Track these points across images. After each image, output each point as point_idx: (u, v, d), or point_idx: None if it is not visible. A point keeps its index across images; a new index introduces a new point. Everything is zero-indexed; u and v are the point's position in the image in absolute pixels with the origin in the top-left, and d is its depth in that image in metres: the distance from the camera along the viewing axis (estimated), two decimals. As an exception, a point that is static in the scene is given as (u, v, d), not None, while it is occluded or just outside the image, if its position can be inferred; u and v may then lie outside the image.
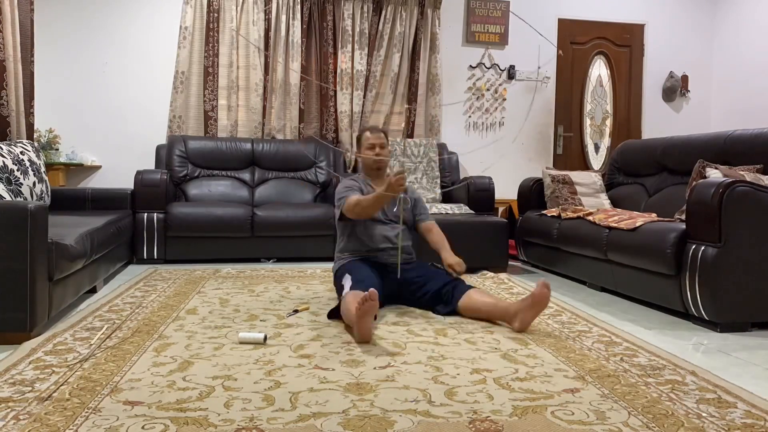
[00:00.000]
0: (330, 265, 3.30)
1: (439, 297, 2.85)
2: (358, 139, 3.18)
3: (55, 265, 2.43)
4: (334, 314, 2.70)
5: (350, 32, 5.25)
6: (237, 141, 4.98)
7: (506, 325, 2.63)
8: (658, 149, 4.11)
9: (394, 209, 3.03)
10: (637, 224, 3.14)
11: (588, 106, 5.96)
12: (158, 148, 4.90)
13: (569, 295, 3.48)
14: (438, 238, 3.08)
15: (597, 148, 5.99)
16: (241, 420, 1.60)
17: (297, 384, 1.87)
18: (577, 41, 5.90)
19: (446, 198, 5.07)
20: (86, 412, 1.63)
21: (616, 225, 3.31)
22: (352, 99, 5.28)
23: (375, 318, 2.58)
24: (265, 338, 2.33)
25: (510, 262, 4.33)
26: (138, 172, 4.35)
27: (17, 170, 3.12)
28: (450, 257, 2.93)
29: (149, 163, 4.91)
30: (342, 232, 3.05)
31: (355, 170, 5.20)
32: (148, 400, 1.72)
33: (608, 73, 5.98)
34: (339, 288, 2.85)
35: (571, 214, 3.90)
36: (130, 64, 5.13)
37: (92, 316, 2.67)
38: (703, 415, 1.69)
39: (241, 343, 2.31)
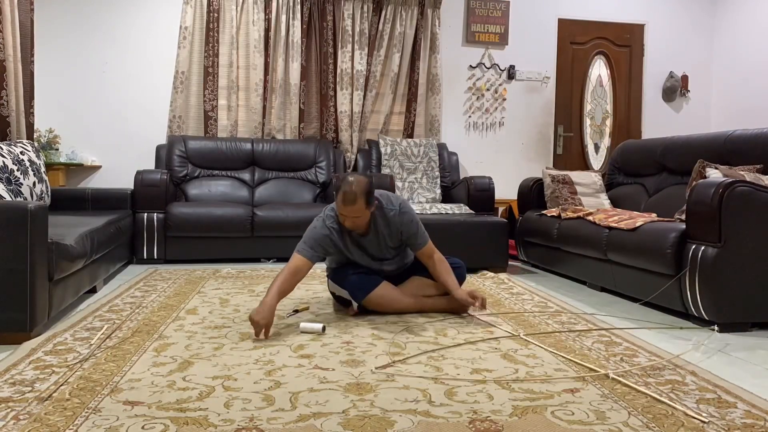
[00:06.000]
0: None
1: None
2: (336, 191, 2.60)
3: (55, 265, 2.43)
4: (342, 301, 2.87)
5: (350, 32, 5.25)
6: (237, 141, 4.98)
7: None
8: (658, 149, 4.11)
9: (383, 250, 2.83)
10: (637, 224, 3.14)
11: (588, 106, 5.96)
12: (158, 148, 4.90)
13: (569, 295, 3.48)
14: (441, 268, 2.78)
15: (597, 148, 5.99)
16: (241, 420, 1.60)
17: (297, 384, 1.88)
18: (577, 41, 5.89)
19: (446, 198, 5.08)
20: (86, 412, 1.63)
21: (616, 225, 3.31)
22: (352, 99, 5.28)
23: None
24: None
25: (510, 262, 4.33)
26: (138, 172, 4.35)
27: (17, 170, 3.12)
28: (460, 292, 2.75)
29: (149, 163, 4.91)
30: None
31: (355, 169, 5.19)
32: (148, 400, 1.72)
33: (608, 73, 5.98)
34: (337, 296, 2.93)
35: (571, 214, 3.89)
36: (130, 64, 5.13)
37: (92, 316, 2.67)
38: (703, 415, 1.69)
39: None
